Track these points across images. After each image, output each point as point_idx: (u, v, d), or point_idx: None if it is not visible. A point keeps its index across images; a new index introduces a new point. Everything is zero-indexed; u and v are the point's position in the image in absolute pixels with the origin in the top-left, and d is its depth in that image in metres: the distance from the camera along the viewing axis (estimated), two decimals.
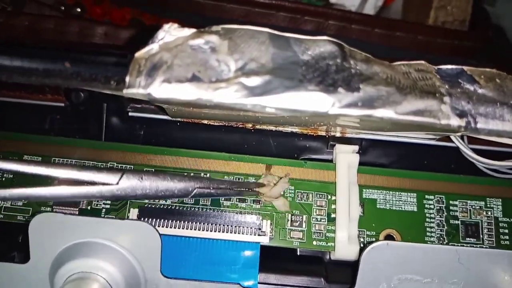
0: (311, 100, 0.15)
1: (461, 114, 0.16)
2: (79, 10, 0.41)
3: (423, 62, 0.18)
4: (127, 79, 0.15)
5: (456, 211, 0.27)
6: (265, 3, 0.35)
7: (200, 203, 0.26)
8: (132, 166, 0.26)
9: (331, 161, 0.27)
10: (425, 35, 0.38)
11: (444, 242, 0.26)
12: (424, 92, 0.16)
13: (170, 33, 0.16)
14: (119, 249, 0.20)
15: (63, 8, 0.41)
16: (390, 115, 0.16)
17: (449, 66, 0.18)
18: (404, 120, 0.16)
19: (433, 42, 0.38)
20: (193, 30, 0.17)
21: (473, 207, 0.27)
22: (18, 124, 0.27)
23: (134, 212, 0.25)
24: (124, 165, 0.26)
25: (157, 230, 0.20)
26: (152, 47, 0.16)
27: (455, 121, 0.16)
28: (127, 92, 0.15)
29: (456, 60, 0.35)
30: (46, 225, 0.20)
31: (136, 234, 0.20)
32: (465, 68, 0.18)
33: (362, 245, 0.25)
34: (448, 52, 0.38)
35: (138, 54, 0.16)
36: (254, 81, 0.16)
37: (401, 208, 0.27)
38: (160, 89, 0.15)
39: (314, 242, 0.25)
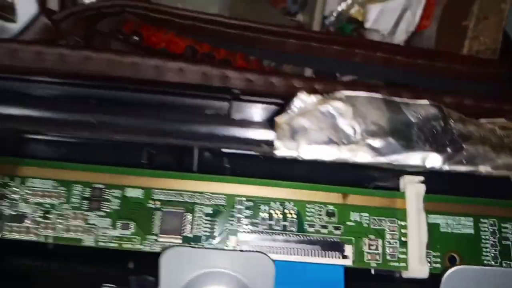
0: (428, 159, 0.19)
1: None
2: (136, 38, 0.44)
3: (503, 119, 0.22)
4: (276, 142, 0.19)
5: (507, 232, 0.31)
6: (320, 38, 0.39)
7: (287, 229, 0.29)
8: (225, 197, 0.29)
9: (397, 189, 0.31)
10: (461, 64, 0.41)
11: (498, 261, 0.30)
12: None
13: (302, 100, 0.20)
14: (241, 278, 0.23)
15: (121, 37, 0.44)
16: (488, 170, 0.19)
17: None
18: (499, 174, 0.19)
19: (468, 70, 0.42)
20: (320, 97, 0.20)
21: None
22: (118, 159, 0.30)
23: (232, 239, 0.28)
24: (215, 195, 0.29)
25: (272, 260, 0.23)
26: (291, 114, 0.19)
27: None
28: (277, 153, 0.19)
29: (488, 86, 0.40)
30: (175, 257, 0.23)
31: (254, 264, 0.23)
32: None
33: (429, 264, 0.29)
34: (482, 79, 0.42)
35: (279, 120, 0.19)
36: (378, 142, 0.19)
37: (460, 231, 0.30)
38: (306, 151, 0.19)
39: (389, 263, 0.29)
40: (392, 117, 0.20)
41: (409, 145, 0.19)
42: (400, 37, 0.50)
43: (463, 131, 0.20)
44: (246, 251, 0.25)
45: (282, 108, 0.20)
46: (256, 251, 0.24)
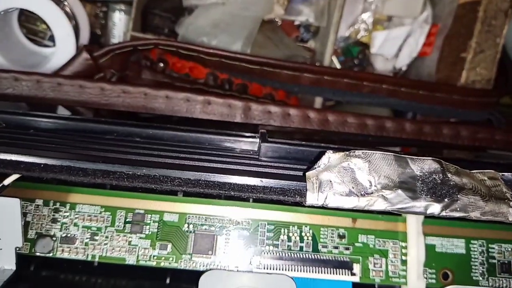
0: (429, 208, 0.23)
1: None
2: (162, 65, 0.48)
3: (492, 171, 0.26)
4: (308, 194, 0.23)
5: (494, 252, 0.35)
6: (332, 72, 0.43)
7: (304, 249, 0.33)
8: (250, 221, 0.33)
9: (400, 214, 0.35)
10: (459, 94, 0.45)
11: (485, 277, 0.35)
12: (497, 198, 0.24)
13: (329, 157, 0.24)
14: None
15: (148, 63, 0.47)
16: (478, 216, 0.24)
17: (508, 174, 0.26)
18: (486, 219, 0.24)
19: (465, 100, 0.46)
20: (342, 154, 0.24)
21: (506, 249, 0.35)
22: None
23: (256, 259, 0.32)
24: (241, 219, 0.33)
25: (294, 281, 0.27)
26: (318, 169, 0.24)
27: None
28: (308, 203, 0.23)
29: (484, 114, 0.44)
30: (212, 278, 0.27)
31: (279, 284, 0.27)
32: None
33: (426, 280, 0.33)
34: (477, 107, 0.46)
35: (309, 174, 0.23)
36: (390, 194, 0.23)
37: (453, 251, 0.35)
38: (331, 201, 0.23)
39: (391, 279, 0.33)
40: (400, 171, 0.24)
41: (414, 196, 0.23)
42: (403, 62, 0.53)
43: (458, 183, 0.24)
44: (272, 273, 0.29)
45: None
46: (281, 273, 0.28)
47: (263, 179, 0.23)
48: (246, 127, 0.38)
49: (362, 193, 0.23)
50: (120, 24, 0.49)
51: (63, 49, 0.44)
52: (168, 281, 0.32)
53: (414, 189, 0.23)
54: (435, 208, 0.23)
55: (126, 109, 0.36)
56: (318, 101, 0.47)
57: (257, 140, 0.30)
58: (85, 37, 0.50)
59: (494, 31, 0.46)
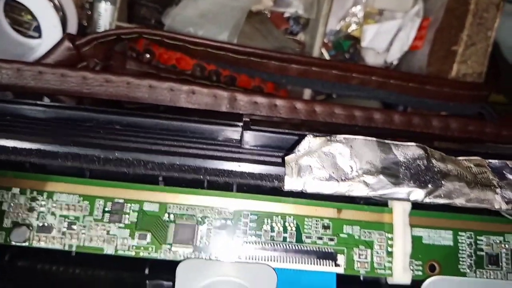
0: (412, 194, 0.23)
1: (508, 201, 0.23)
2: (148, 56, 0.47)
3: (478, 158, 0.25)
4: (286, 178, 0.22)
5: (482, 244, 0.35)
6: (320, 63, 0.42)
7: (287, 240, 0.32)
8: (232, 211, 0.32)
9: (386, 205, 0.34)
10: (449, 87, 0.45)
11: (473, 269, 0.34)
12: (483, 185, 0.23)
13: (309, 142, 0.23)
14: (247, 286, 0.26)
15: (134, 54, 0.47)
16: (463, 203, 0.23)
17: (495, 161, 0.25)
18: (471, 206, 0.23)
19: (456, 93, 0.45)
20: (323, 139, 0.23)
21: (494, 241, 0.35)
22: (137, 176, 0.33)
23: (238, 249, 0.32)
24: (223, 209, 0.32)
25: (275, 271, 0.27)
26: (298, 153, 0.23)
27: (504, 206, 0.23)
28: (286, 188, 0.22)
29: (474, 107, 0.43)
30: (190, 267, 0.27)
31: (259, 274, 0.27)
32: (508, 162, 0.25)
33: (412, 272, 0.33)
34: (468, 101, 0.46)
35: (288, 158, 0.23)
36: (371, 179, 0.22)
37: (441, 243, 0.34)
38: (310, 186, 0.22)
39: (376, 270, 0.33)
40: (383, 157, 0.23)
41: (396, 181, 0.22)
42: (394, 56, 0.53)
43: (443, 169, 0.23)
44: (252, 262, 0.28)
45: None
46: (262, 263, 0.27)
47: (241, 164, 0.23)
48: (235, 118, 0.38)
49: (343, 178, 0.22)
50: (106, 15, 0.48)
51: (50, 40, 0.43)
52: (147, 271, 0.32)
53: (397, 175, 0.23)
54: (418, 194, 0.23)
55: (109, 98, 0.36)
56: (307, 94, 0.46)
57: (240, 128, 0.29)
58: (72, 28, 0.49)
59: (485, 24, 0.45)
